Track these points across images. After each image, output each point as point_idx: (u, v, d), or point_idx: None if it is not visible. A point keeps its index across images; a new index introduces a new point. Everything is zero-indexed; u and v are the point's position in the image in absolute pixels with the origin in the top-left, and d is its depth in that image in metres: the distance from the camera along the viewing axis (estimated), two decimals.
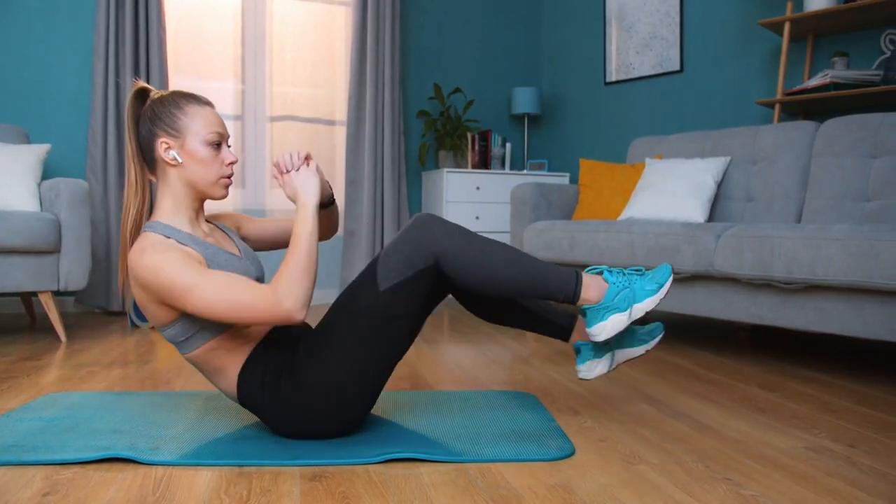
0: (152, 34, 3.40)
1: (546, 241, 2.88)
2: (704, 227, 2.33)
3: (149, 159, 1.39)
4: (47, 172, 3.35)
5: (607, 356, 1.55)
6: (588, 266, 2.75)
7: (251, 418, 1.56)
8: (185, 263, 1.25)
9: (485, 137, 4.24)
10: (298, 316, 1.25)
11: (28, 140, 3.05)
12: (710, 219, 2.88)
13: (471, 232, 1.40)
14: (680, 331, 3.00)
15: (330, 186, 1.48)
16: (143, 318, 2.98)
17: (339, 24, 4.03)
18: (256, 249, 1.61)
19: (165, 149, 1.36)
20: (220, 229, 1.51)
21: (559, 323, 1.60)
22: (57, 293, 3.42)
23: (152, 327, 2.94)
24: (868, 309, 1.90)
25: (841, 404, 1.78)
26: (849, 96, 2.80)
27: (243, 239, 1.59)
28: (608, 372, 1.57)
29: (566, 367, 2.21)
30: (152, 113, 1.37)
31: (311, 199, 1.33)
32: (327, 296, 3.94)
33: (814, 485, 1.22)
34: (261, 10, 3.82)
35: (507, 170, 4.25)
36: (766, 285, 2.14)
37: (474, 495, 1.15)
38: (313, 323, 1.54)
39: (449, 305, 3.86)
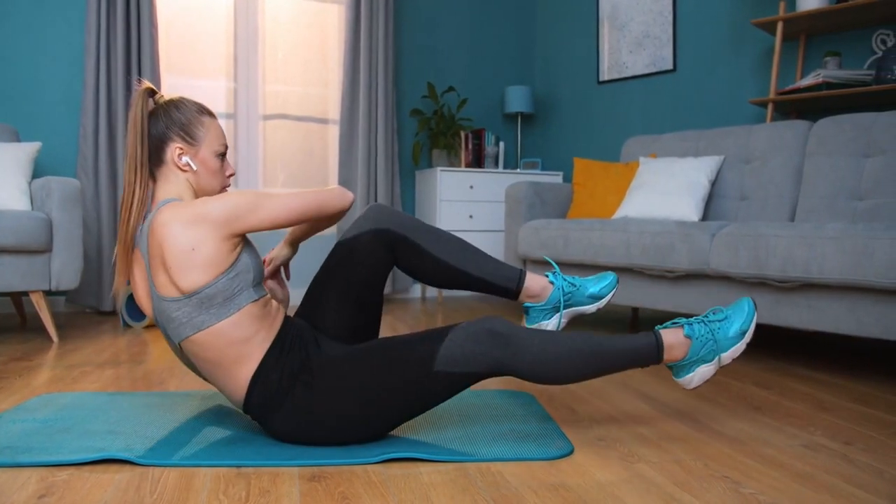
0: (144, 32, 3.37)
1: (541, 240, 2.89)
2: (699, 226, 2.34)
3: (154, 159, 1.39)
4: (37, 171, 3.32)
5: (556, 316, 1.54)
6: (583, 264, 2.76)
7: (247, 419, 1.55)
8: (231, 194, 1.31)
9: (478, 136, 4.24)
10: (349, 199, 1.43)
11: (18, 138, 3.02)
12: (704, 217, 2.89)
13: (543, 332, 1.38)
14: None
15: (289, 246, 1.56)
16: (135, 318, 2.95)
17: (332, 23, 4.01)
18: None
19: (179, 154, 1.39)
20: None
21: (506, 286, 1.53)
22: (48, 293, 3.39)
23: (147, 326, 2.92)
24: (862, 307, 1.92)
25: (836, 402, 1.79)
26: (841, 96, 2.82)
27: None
28: (557, 330, 1.53)
29: None
30: (168, 117, 1.39)
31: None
32: None
33: (812, 482, 1.22)
34: (253, 8, 3.80)
35: (500, 169, 4.25)
36: (760, 284, 2.15)
37: (474, 495, 1.15)
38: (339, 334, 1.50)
39: (442, 304, 3.85)
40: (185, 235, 1.25)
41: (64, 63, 3.39)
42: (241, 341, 1.31)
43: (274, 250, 1.57)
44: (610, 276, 1.57)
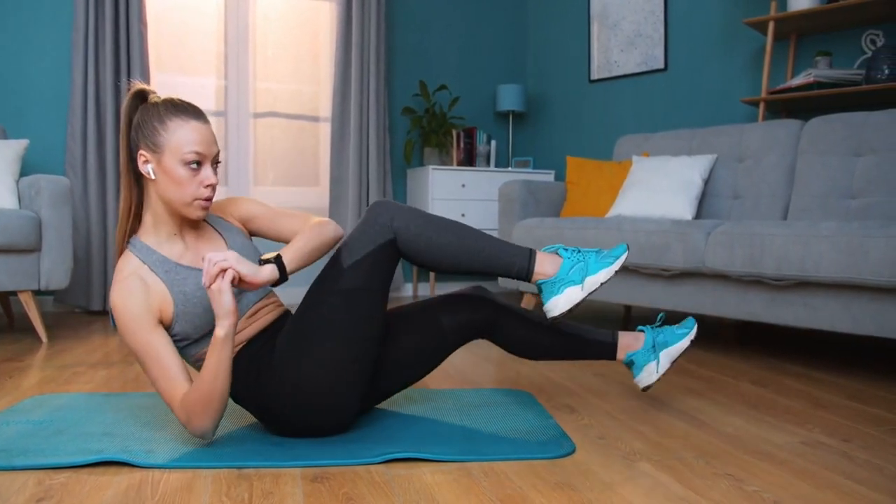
0: (133, 29, 3.33)
1: (536, 239, 2.88)
2: (694, 225, 2.34)
3: (135, 169, 1.35)
4: (25, 169, 3.27)
5: (657, 358, 1.58)
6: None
7: (246, 419, 1.54)
8: (140, 319, 1.26)
9: (470, 134, 4.23)
10: (207, 438, 1.31)
11: (5, 135, 2.97)
12: (697, 216, 2.90)
13: (426, 212, 1.42)
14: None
15: (275, 264, 1.28)
16: None
17: (323, 20, 3.99)
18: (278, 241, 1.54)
19: (143, 162, 1.31)
20: (215, 229, 1.46)
21: (604, 341, 1.61)
22: (37, 292, 3.34)
23: None
24: (857, 305, 1.93)
25: (832, 399, 1.81)
26: (831, 95, 2.84)
27: (253, 233, 1.53)
28: (663, 373, 1.58)
29: (557, 364, 2.22)
30: (137, 122, 1.32)
31: (219, 329, 1.23)
32: None
33: (814, 479, 1.23)
34: (244, 5, 3.77)
35: (492, 167, 4.24)
36: (756, 282, 2.16)
37: (479, 494, 1.14)
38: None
39: (419, 294, 3.84)
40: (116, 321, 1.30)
41: (51, 59, 3.34)
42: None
43: (254, 271, 1.27)
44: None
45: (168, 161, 1.28)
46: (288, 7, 3.90)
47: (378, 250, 1.36)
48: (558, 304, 1.43)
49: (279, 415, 1.36)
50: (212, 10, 3.70)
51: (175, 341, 1.33)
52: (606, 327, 2.97)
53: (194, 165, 1.29)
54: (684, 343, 1.59)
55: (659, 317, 1.67)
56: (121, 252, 1.36)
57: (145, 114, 1.31)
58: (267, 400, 1.35)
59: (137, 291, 1.28)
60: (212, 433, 1.30)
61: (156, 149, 1.29)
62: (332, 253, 1.61)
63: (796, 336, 2.84)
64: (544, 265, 1.44)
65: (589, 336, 1.60)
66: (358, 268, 1.35)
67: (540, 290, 1.46)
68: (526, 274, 1.43)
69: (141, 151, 1.30)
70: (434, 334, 1.48)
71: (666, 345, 1.58)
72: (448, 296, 1.56)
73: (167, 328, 1.32)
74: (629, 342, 1.61)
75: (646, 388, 1.61)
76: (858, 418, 1.63)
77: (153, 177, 1.30)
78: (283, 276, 1.29)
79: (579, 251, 1.48)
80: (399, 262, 1.46)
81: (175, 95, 1.36)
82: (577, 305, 1.44)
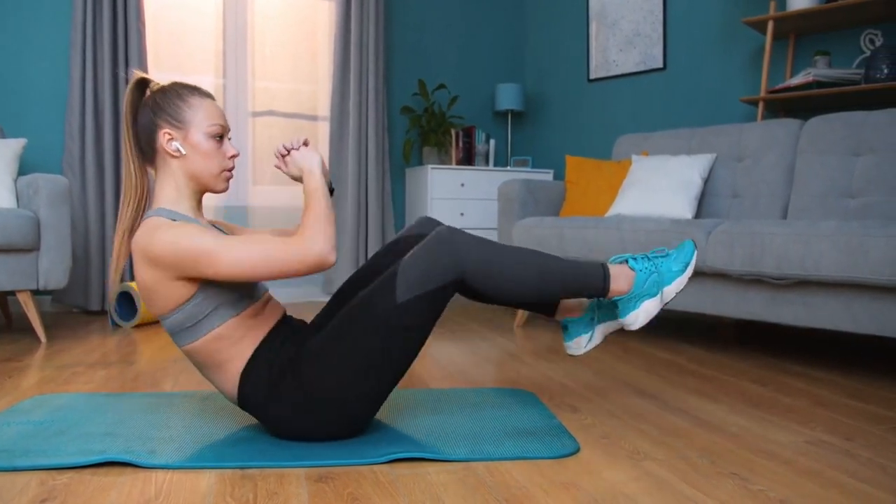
0: (131, 27, 3.32)
1: (535, 238, 2.88)
2: (694, 224, 2.35)
3: (147, 150, 1.37)
4: (23, 168, 3.26)
5: (592, 331, 1.55)
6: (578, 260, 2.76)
7: (249, 419, 1.53)
8: (205, 231, 1.26)
9: (469, 134, 4.23)
10: (331, 258, 1.25)
11: (3, 134, 2.96)
12: (696, 215, 2.90)
13: (492, 242, 1.38)
14: (668, 327, 3.02)
15: (329, 173, 1.48)
16: (124, 317, 2.91)
17: (322, 19, 3.98)
18: None
19: (168, 140, 1.34)
20: (217, 229, 1.48)
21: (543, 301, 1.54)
22: (35, 292, 3.33)
23: (136, 326, 2.88)
24: (857, 304, 1.93)
25: (833, 398, 1.81)
26: (830, 95, 2.85)
27: None
28: (597, 346, 1.56)
29: (558, 362, 2.21)
30: (154, 103, 1.35)
31: (315, 167, 1.36)
32: (309, 293, 3.89)
33: (818, 478, 1.23)
34: (242, 4, 3.76)
35: (490, 166, 4.24)
36: (756, 281, 2.16)
37: (485, 494, 1.14)
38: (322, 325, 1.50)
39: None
40: (145, 273, 1.28)
41: (49, 58, 3.33)
42: (226, 348, 1.33)
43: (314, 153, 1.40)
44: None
45: (195, 135, 1.34)
46: (286, 6, 3.89)
47: (439, 290, 1.31)
48: (638, 319, 1.42)
49: (291, 422, 1.34)
50: (210, 9, 3.68)
51: (192, 306, 1.29)
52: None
53: (218, 138, 1.36)
54: (619, 323, 1.52)
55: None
56: (128, 243, 1.36)
57: (164, 94, 1.35)
58: (278, 404, 1.33)
59: (189, 221, 1.30)
60: (335, 246, 1.26)
61: (181, 125, 1.34)
62: (338, 252, 1.58)
63: (796, 335, 2.84)
64: (618, 281, 1.42)
65: (583, 291, 1.50)
66: (412, 306, 1.29)
67: (616, 306, 1.45)
68: (602, 293, 1.41)
69: (165, 130, 1.34)
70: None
71: (605, 319, 1.55)
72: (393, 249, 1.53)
73: (192, 291, 1.28)
74: (570, 306, 1.58)
75: (572, 356, 1.57)
76: (860, 417, 1.63)
77: (183, 152, 1.34)
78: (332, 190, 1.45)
79: (648, 258, 1.45)
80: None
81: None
82: (655, 316, 1.44)
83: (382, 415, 1.56)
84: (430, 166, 3.92)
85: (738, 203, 2.81)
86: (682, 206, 2.75)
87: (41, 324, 2.54)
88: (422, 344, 1.36)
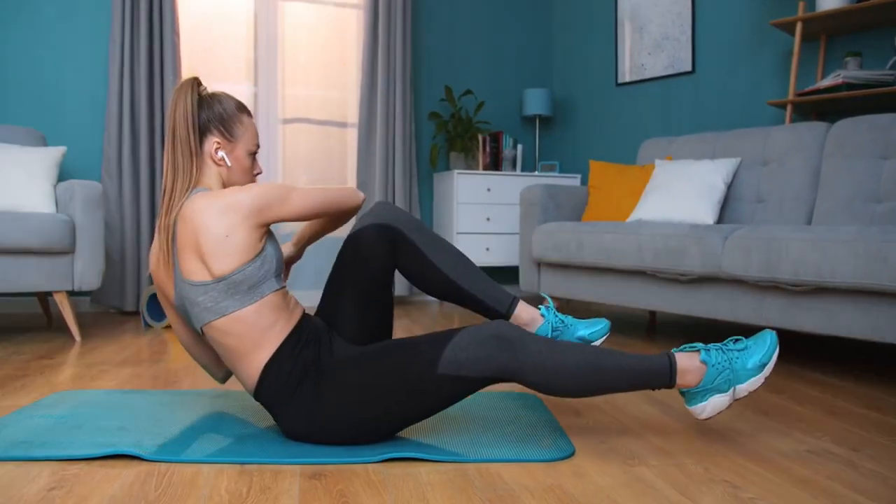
0: (166, 38, 3.45)
1: (555, 243, 2.89)
2: (712, 229, 2.32)
3: (194, 148, 1.40)
4: (63, 174, 3.41)
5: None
6: (597, 267, 2.75)
7: (255, 418, 1.58)
8: (269, 188, 1.35)
9: (496, 139, 4.25)
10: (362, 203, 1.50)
11: (45, 142, 3.11)
12: (719, 220, 2.86)
13: (551, 341, 1.35)
14: (686, 332, 2.98)
15: (294, 246, 1.62)
16: (156, 317, 3.02)
17: (350, 27, 4.06)
18: None
19: (216, 148, 1.42)
20: None
21: (497, 308, 1.53)
22: (72, 293, 3.48)
23: (167, 326, 2.98)
24: (876, 311, 1.89)
25: (847, 407, 1.77)
26: (862, 97, 2.78)
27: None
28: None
29: None
30: (210, 110, 1.42)
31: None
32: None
33: (812, 488, 1.21)
34: (273, 14, 3.86)
35: (518, 171, 4.25)
36: (773, 287, 2.13)
37: (471, 495, 1.16)
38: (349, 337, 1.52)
39: (444, 305, 3.86)
40: (220, 223, 1.31)
41: (89, 70, 3.48)
42: (261, 329, 1.36)
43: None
44: (602, 322, 1.53)
45: (240, 150, 1.45)
46: (316, 15, 3.98)
47: (481, 381, 1.32)
48: (704, 412, 1.38)
49: (300, 426, 1.37)
50: (242, 19, 3.80)
51: (254, 267, 1.33)
52: (631, 335, 2.95)
53: (254, 157, 1.49)
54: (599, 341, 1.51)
55: (550, 306, 1.57)
56: (170, 235, 1.38)
57: (221, 104, 1.43)
58: (296, 411, 1.36)
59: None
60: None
61: (232, 138, 1.44)
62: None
63: (818, 342, 2.77)
64: (686, 377, 1.35)
65: (486, 300, 1.51)
66: (452, 383, 1.31)
67: (682, 395, 1.41)
68: (667, 387, 1.37)
69: (216, 139, 1.42)
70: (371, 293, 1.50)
71: (564, 336, 1.52)
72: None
73: (259, 247, 1.34)
74: (526, 318, 1.53)
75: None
76: (872, 427, 1.60)
77: (228, 164, 1.44)
78: (299, 254, 1.61)
79: (723, 350, 1.37)
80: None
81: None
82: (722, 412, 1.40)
83: None
84: (456, 171, 3.95)
85: (763, 208, 2.77)
86: (703, 211, 2.72)
87: (76, 323, 2.66)
88: (444, 408, 1.37)
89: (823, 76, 3.09)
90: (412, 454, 1.32)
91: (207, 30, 3.72)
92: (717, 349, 1.37)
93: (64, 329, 2.94)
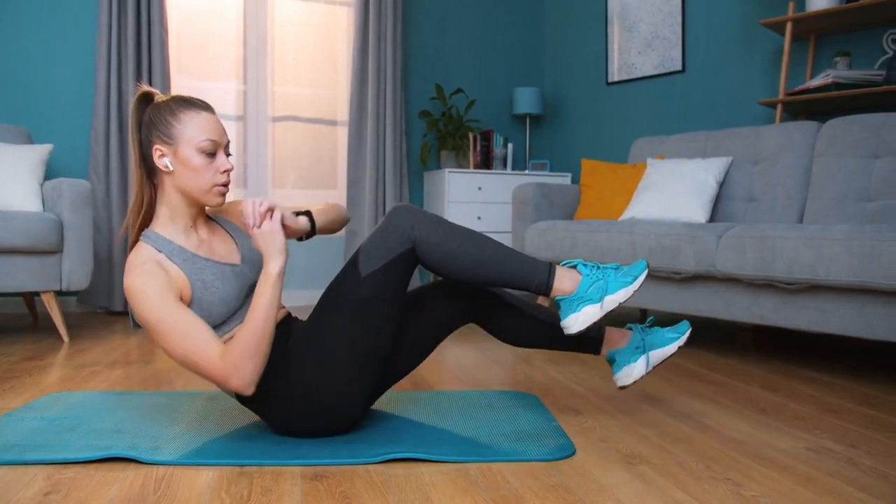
0: (154, 35, 3.40)
1: (548, 242, 2.88)
2: (706, 228, 2.33)
3: (149, 166, 1.38)
4: (50, 173, 3.36)
5: (641, 359, 1.54)
6: None
7: (252, 418, 1.56)
8: (162, 295, 1.27)
9: (486, 138, 4.24)
10: (247, 392, 1.29)
11: (31, 140, 3.06)
12: (711, 219, 2.88)
13: (447, 221, 1.42)
14: None
15: (307, 217, 1.43)
16: None
17: (340, 25, 4.03)
18: None
19: (159, 156, 1.35)
20: (224, 229, 1.50)
21: (588, 335, 1.59)
22: (59, 293, 3.42)
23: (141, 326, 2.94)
24: (870, 309, 1.90)
25: (843, 405, 1.78)
26: (851, 96, 2.80)
27: None
28: (645, 375, 1.54)
29: (567, 366, 2.21)
30: (149, 119, 1.36)
31: (272, 265, 1.30)
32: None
33: (815, 485, 1.22)
34: (262, 11, 3.83)
35: (508, 170, 4.24)
36: (767, 285, 2.14)
37: (475, 495, 1.15)
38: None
39: None
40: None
41: (76, 66, 3.43)
42: None
43: (290, 212, 1.40)
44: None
45: (184, 151, 1.33)
46: (306, 12, 3.95)
47: (397, 259, 1.36)
48: (576, 322, 1.42)
49: (285, 415, 1.38)
50: (231, 16, 3.76)
51: None
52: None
53: (209, 153, 1.35)
54: (671, 348, 1.54)
55: (649, 319, 1.64)
56: (131, 248, 1.38)
57: (156, 110, 1.36)
58: (276, 401, 1.37)
59: (157, 273, 1.30)
60: (255, 382, 1.29)
61: (170, 141, 1.34)
62: (347, 254, 1.58)
63: (812, 340, 2.80)
64: (563, 281, 1.43)
65: (520, 283, 1.50)
66: (374, 277, 1.35)
67: (558, 306, 1.46)
68: (545, 289, 1.42)
69: (156, 146, 1.35)
70: (426, 325, 1.50)
71: (652, 347, 1.55)
72: (437, 285, 1.56)
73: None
74: (615, 339, 1.58)
75: (622, 388, 1.57)
76: (869, 424, 1.61)
77: (171, 168, 1.35)
78: (314, 229, 1.44)
79: (599, 267, 1.46)
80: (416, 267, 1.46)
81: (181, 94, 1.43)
82: (594, 324, 1.44)
83: (383, 415, 1.58)
84: (447, 170, 3.94)
85: (754, 207, 2.78)
86: (695, 210, 2.73)
87: (64, 323, 2.62)
88: (394, 318, 1.39)
89: (813, 76, 3.12)
90: (413, 454, 1.31)
91: (196, 26, 3.68)
92: (593, 265, 1.46)
93: (51, 329, 2.89)
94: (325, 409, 1.37)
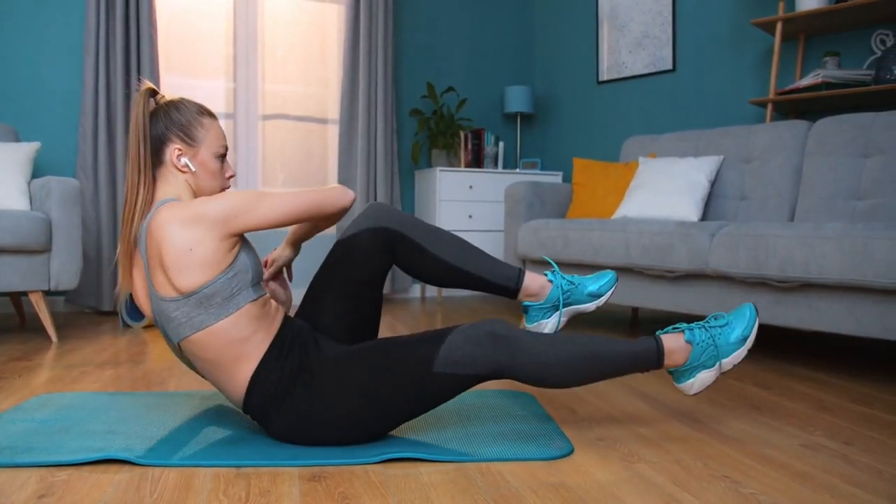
0: (143, 32, 3.37)
1: (540, 240, 2.89)
2: (699, 226, 2.34)
3: (154, 160, 1.39)
4: (37, 171, 3.32)
5: (555, 315, 1.54)
6: (583, 264, 2.76)
7: (247, 419, 1.55)
8: (239, 195, 1.31)
9: (478, 136, 4.24)
10: (351, 205, 1.45)
11: (17, 138, 3.02)
12: (703, 217, 2.89)
13: (544, 335, 1.37)
14: None
15: (290, 246, 1.58)
16: (134, 318, 2.95)
17: (331, 23, 4.01)
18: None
19: (178, 155, 1.39)
20: None
21: (505, 285, 1.53)
22: (47, 293, 3.38)
23: (146, 326, 2.92)
24: (861, 307, 1.92)
25: (835, 402, 1.80)
26: (840, 96, 2.82)
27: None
28: (557, 330, 1.53)
29: None
30: (168, 118, 1.38)
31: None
32: None
33: (811, 482, 1.22)
34: (252, 8, 3.80)
35: (499, 169, 4.24)
36: (760, 284, 2.15)
37: (475, 495, 1.15)
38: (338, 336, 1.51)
39: (441, 304, 3.85)
40: (183, 235, 1.25)
41: (63, 63, 3.39)
42: (240, 341, 1.31)
43: (276, 251, 1.58)
44: (609, 275, 1.57)
45: (204, 154, 1.40)
46: (296, 9, 3.92)
47: (474, 378, 1.33)
48: (692, 388, 1.42)
49: (287, 427, 1.35)
50: (221, 13, 3.73)
51: (226, 279, 1.29)
52: (612, 331, 2.97)
53: (222, 158, 1.44)
54: (590, 307, 1.53)
55: (574, 277, 1.58)
56: (130, 249, 1.35)
57: (178, 111, 1.40)
58: (282, 411, 1.34)
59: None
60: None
61: (193, 143, 1.39)
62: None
63: (803, 338, 2.82)
64: (673, 357, 1.39)
65: (493, 279, 1.51)
66: (447, 381, 1.32)
67: (670, 374, 1.45)
68: (656, 369, 1.40)
69: (176, 146, 1.38)
70: (358, 284, 1.49)
71: (569, 303, 1.53)
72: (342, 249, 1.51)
73: (230, 259, 1.30)
74: (533, 288, 1.53)
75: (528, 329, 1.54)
76: (862, 421, 1.62)
77: (192, 169, 1.39)
78: (296, 251, 1.58)
79: (706, 328, 1.41)
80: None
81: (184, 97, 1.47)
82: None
83: None
84: (438, 169, 3.93)
85: (746, 205, 2.80)
86: (688, 208, 2.74)
87: (52, 324, 2.59)
88: (437, 405, 1.37)
89: (802, 75, 3.14)
90: (411, 454, 1.30)
91: (185, 24, 3.64)
92: (699, 328, 1.42)
93: (39, 329, 2.86)
94: (333, 436, 1.35)
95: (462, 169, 4.01)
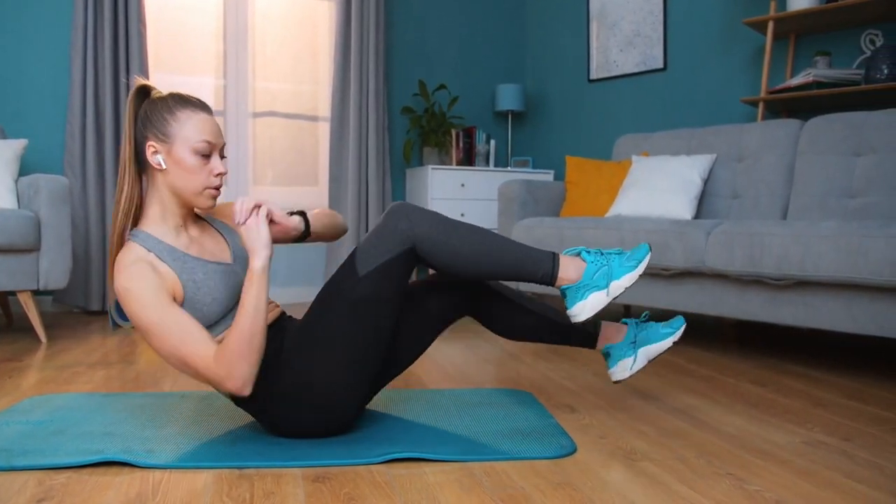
0: (132, 28, 3.32)
1: (535, 238, 2.88)
2: (694, 224, 2.34)
3: (141, 161, 1.35)
4: (24, 168, 3.26)
5: (635, 354, 1.56)
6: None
7: (246, 419, 1.53)
8: (155, 296, 1.25)
9: (469, 134, 4.23)
10: (244, 392, 1.28)
11: (4, 135, 2.97)
12: (696, 216, 2.90)
13: (447, 217, 1.40)
14: None
15: (301, 217, 1.43)
16: (124, 317, 2.91)
17: (322, 20, 3.99)
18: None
19: (153, 153, 1.32)
20: (215, 228, 1.47)
21: (584, 331, 1.60)
22: (36, 292, 3.33)
23: (135, 327, 2.88)
24: (857, 304, 1.93)
25: (831, 399, 1.81)
26: (831, 95, 2.85)
27: None
28: (639, 370, 1.56)
29: (558, 363, 2.22)
30: (145, 114, 1.33)
31: (257, 260, 1.28)
32: (312, 293, 3.90)
33: (815, 478, 1.23)
34: (242, 5, 3.76)
35: (491, 167, 4.24)
36: (756, 282, 2.16)
37: (481, 494, 1.14)
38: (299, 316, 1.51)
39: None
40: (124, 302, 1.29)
41: (51, 59, 3.34)
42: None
43: (279, 210, 1.38)
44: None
45: (179, 150, 1.31)
46: (287, 6, 3.89)
47: (395, 259, 1.34)
48: (584, 310, 1.42)
49: (280, 416, 1.36)
50: (211, 10, 3.69)
51: None
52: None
53: (204, 155, 1.32)
54: (666, 343, 1.55)
55: (644, 314, 1.65)
56: (120, 246, 1.35)
57: (153, 106, 1.33)
58: (270, 401, 1.35)
59: (149, 273, 1.27)
60: (251, 382, 1.27)
61: (166, 139, 1.31)
62: (330, 251, 1.56)
63: (796, 336, 2.84)
64: (568, 270, 1.42)
65: (524, 274, 1.50)
66: (372, 277, 1.33)
67: (564, 295, 1.45)
68: (550, 279, 1.42)
69: (150, 143, 1.32)
70: (421, 321, 1.48)
71: (647, 342, 1.56)
72: (431, 279, 1.54)
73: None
74: (610, 333, 1.60)
75: (617, 382, 1.59)
76: (858, 418, 1.63)
77: (163, 167, 1.32)
78: (308, 230, 1.43)
79: (602, 253, 1.46)
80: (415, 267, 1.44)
81: (179, 90, 1.39)
82: (602, 310, 1.44)
83: (380, 415, 1.56)
84: (430, 167, 3.92)
85: (738, 203, 2.81)
86: (681, 207, 2.75)
87: (41, 324, 2.55)
88: (391, 318, 1.37)
89: (793, 75, 3.16)
90: (415, 454, 1.29)
91: (175, 20, 3.60)
92: (596, 251, 1.46)
93: (27, 330, 2.81)
94: (321, 409, 1.35)
95: (453, 167, 4.00)
